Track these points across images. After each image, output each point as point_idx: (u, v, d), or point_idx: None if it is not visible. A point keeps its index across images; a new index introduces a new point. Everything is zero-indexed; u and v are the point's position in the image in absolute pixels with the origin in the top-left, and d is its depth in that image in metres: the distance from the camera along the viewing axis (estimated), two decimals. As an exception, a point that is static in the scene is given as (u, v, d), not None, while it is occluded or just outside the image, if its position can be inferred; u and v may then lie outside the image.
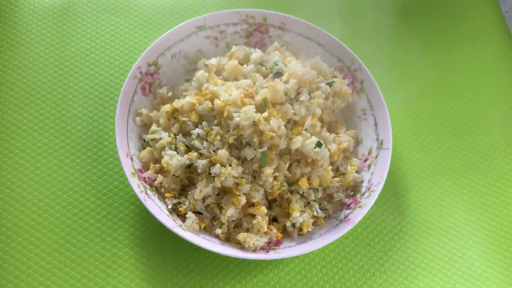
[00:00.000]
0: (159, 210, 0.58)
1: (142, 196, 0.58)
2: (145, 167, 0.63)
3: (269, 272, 0.64)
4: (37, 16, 0.78)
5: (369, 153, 0.68)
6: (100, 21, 0.79)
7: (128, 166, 0.60)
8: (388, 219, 0.69)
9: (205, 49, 0.73)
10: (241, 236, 0.59)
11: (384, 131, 0.67)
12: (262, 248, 0.60)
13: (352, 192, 0.66)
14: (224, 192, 0.61)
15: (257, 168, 0.61)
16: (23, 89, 0.71)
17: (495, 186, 0.74)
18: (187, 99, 0.64)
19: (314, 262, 0.65)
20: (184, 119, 0.64)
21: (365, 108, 0.70)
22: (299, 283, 0.63)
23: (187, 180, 0.63)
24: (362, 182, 0.66)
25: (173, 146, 0.63)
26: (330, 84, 0.68)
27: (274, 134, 0.60)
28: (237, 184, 0.60)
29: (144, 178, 0.62)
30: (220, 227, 0.60)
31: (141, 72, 0.67)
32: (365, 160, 0.67)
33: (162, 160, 0.62)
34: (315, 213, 0.63)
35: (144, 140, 0.66)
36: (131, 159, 0.62)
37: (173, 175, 0.62)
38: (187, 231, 0.59)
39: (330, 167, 0.64)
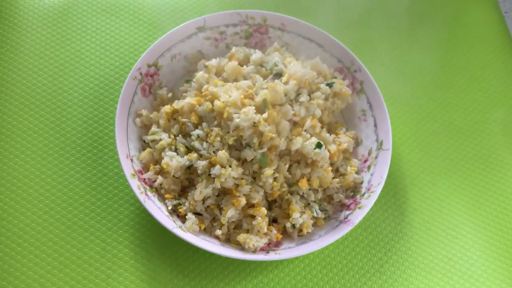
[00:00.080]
0: (159, 211, 0.58)
1: (142, 197, 0.58)
2: (145, 168, 0.63)
3: (269, 273, 0.64)
4: (37, 17, 0.78)
5: (369, 154, 0.68)
6: (100, 22, 0.79)
7: (128, 167, 0.60)
8: (388, 219, 0.69)
9: (205, 50, 0.73)
10: (241, 237, 0.59)
11: (384, 132, 0.67)
12: (262, 249, 0.60)
13: (352, 193, 0.66)
14: (224, 193, 0.61)
15: (257, 169, 0.61)
16: (23, 90, 0.71)
17: (495, 187, 0.74)
18: (187, 100, 0.64)
19: (314, 263, 0.65)
20: (184, 120, 0.64)
21: (365, 109, 0.70)
22: (299, 284, 0.63)
23: (187, 181, 0.64)
24: (362, 183, 0.66)
25: (173, 147, 0.63)
26: (330, 85, 0.68)
27: (274, 135, 0.60)
28: (237, 185, 0.60)
29: (144, 179, 0.62)
30: (220, 228, 0.61)
31: (141, 73, 0.67)
32: (365, 161, 0.67)
33: (162, 161, 0.62)
34: (315, 214, 0.63)
35: (144, 141, 0.66)
36: (131, 160, 0.62)
37: (173, 176, 0.62)
38: (187, 232, 0.59)
39: (330, 168, 0.64)
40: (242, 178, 0.60)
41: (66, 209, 0.64)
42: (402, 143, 0.76)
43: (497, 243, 0.69)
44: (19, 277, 0.59)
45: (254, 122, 0.59)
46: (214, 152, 0.60)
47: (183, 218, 0.61)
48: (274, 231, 0.62)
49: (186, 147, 0.63)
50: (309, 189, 0.64)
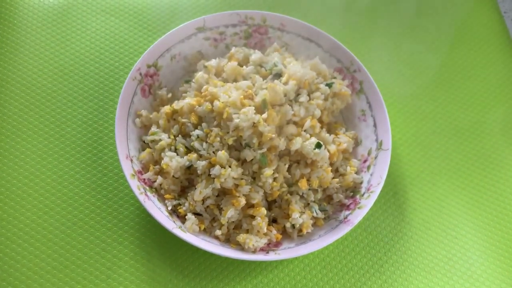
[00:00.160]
0: (159, 211, 0.59)
1: (142, 198, 0.58)
2: (145, 169, 0.64)
3: (269, 273, 0.64)
4: (36, 18, 0.78)
5: (369, 154, 0.68)
6: (99, 23, 0.79)
7: (128, 168, 0.60)
8: (387, 219, 0.69)
9: (205, 50, 0.73)
10: (241, 237, 0.59)
11: (384, 132, 0.67)
12: (261, 249, 0.60)
13: (352, 193, 0.66)
14: (223, 194, 0.61)
15: (256, 169, 0.61)
16: (22, 91, 0.71)
17: (494, 187, 0.74)
18: (187, 101, 0.64)
19: (313, 263, 0.65)
20: (183, 120, 0.64)
21: (364, 109, 0.70)
22: (299, 284, 0.63)
23: (186, 181, 0.64)
24: (361, 183, 0.66)
25: (172, 147, 0.63)
26: (329, 85, 0.68)
27: (273, 135, 0.60)
28: (236, 185, 0.60)
29: (144, 179, 0.62)
30: (220, 229, 0.61)
31: (140, 74, 0.67)
32: (365, 161, 0.68)
33: (162, 162, 0.62)
34: (314, 214, 0.63)
35: (144, 142, 0.66)
36: (131, 160, 0.62)
37: (173, 176, 0.62)
38: (187, 233, 0.59)
39: (330, 168, 0.64)
40: (242, 178, 0.61)
41: (66, 209, 0.64)
42: (401, 143, 0.76)
43: (496, 243, 0.70)
44: (19, 278, 0.59)
45: (254, 123, 0.59)
46: (213, 152, 0.61)
47: (183, 219, 0.61)
48: (274, 231, 0.62)
49: (186, 147, 0.63)
50: (309, 189, 0.64)
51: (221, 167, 0.59)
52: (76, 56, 0.76)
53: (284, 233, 0.63)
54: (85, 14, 0.80)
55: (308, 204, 0.64)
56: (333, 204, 0.66)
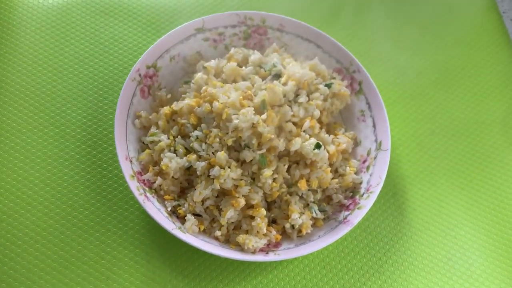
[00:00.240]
0: (158, 212, 0.59)
1: (141, 199, 0.58)
2: (145, 170, 0.64)
3: (269, 273, 0.64)
4: (35, 19, 0.78)
5: (368, 154, 0.68)
6: (98, 24, 0.79)
7: (128, 169, 0.60)
8: (387, 220, 0.69)
9: (204, 51, 0.73)
10: (241, 238, 0.59)
11: (383, 132, 0.67)
12: (261, 250, 0.60)
13: (351, 194, 0.66)
14: (223, 194, 0.61)
15: (256, 170, 0.61)
16: (22, 92, 0.71)
17: (494, 187, 0.74)
18: (186, 101, 0.64)
19: (313, 264, 0.65)
20: (183, 121, 0.64)
21: (363, 109, 0.70)
22: (299, 285, 0.63)
23: (186, 182, 0.64)
24: (361, 183, 0.66)
25: (172, 148, 0.63)
26: (328, 86, 0.68)
27: (273, 136, 0.60)
28: (236, 186, 0.60)
29: (144, 180, 0.62)
30: (220, 229, 0.61)
31: (140, 75, 0.67)
32: (364, 161, 0.68)
33: (162, 163, 0.62)
34: (314, 215, 0.63)
35: (143, 143, 0.66)
36: (131, 161, 0.62)
37: (173, 177, 0.62)
38: (187, 233, 0.59)
39: (329, 169, 0.64)
40: (241, 179, 0.61)
41: (66, 210, 0.64)
42: (401, 144, 0.76)
43: (496, 242, 0.70)
44: (18, 279, 0.59)
45: (253, 123, 0.59)
46: (213, 153, 0.61)
47: (182, 219, 0.61)
48: (274, 232, 0.62)
49: (185, 148, 0.63)
50: (308, 190, 0.64)
51: (221, 168, 0.59)
52: (75, 57, 0.76)
53: (284, 233, 0.63)
54: (84, 15, 0.80)
55: (308, 204, 0.64)
56: (333, 204, 0.66)
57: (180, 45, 0.71)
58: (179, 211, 0.61)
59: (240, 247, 0.60)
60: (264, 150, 0.60)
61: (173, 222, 0.59)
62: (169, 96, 0.69)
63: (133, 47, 0.78)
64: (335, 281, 0.64)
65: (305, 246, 0.60)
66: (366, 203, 0.62)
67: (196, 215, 0.61)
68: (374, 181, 0.64)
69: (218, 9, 0.84)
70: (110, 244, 0.63)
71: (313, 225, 0.63)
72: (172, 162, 0.61)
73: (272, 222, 0.64)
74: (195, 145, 0.61)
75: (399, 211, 0.70)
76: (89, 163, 0.68)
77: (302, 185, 0.62)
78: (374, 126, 0.68)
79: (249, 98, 0.62)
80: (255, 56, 0.69)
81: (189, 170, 0.62)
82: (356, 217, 0.61)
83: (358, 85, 0.71)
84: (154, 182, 0.62)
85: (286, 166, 0.62)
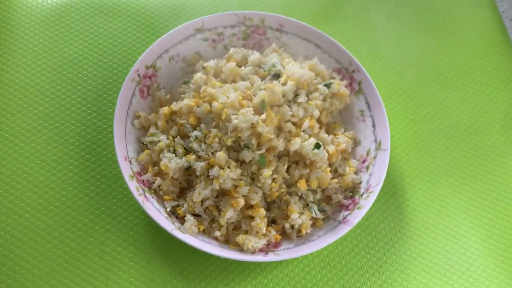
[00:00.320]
0: (157, 212, 0.58)
1: (140, 199, 0.58)
2: (144, 170, 0.63)
3: (268, 274, 0.64)
4: (34, 19, 0.78)
5: (368, 154, 0.68)
6: (97, 24, 0.79)
7: (127, 169, 0.60)
8: (386, 220, 0.69)
9: (203, 51, 0.73)
10: (240, 238, 0.59)
11: (382, 132, 0.67)
12: (261, 250, 0.60)
13: (351, 193, 0.66)
14: (222, 195, 0.61)
15: (255, 170, 0.61)
16: (21, 93, 0.71)
17: (493, 187, 0.74)
18: (185, 102, 0.64)
19: (313, 264, 0.65)
20: (182, 121, 0.64)
21: (363, 109, 0.70)
22: (298, 285, 0.63)
23: (185, 182, 0.64)
24: (360, 183, 0.66)
25: (171, 148, 0.63)
26: (328, 86, 0.68)
27: (272, 136, 0.60)
28: (235, 186, 0.60)
29: (143, 180, 0.62)
30: (219, 230, 0.60)
31: (139, 75, 0.67)
32: (364, 161, 0.67)
33: (161, 163, 0.62)
34: (313, 215, 0.63)
35: (143, 143, 0.66)
36: (130, 162, 0.62)
37: (172, 177, 0.62)
38: (186, 234, 0.59)
39: (329, 169, 0.64)
40: (241, 179, 0.60)
41: (65, 211, 0.64)
42: (400, 143, 0.76)
43: (496, 242, 0.70)
44: (18, 280, 0.59)
45: (252, 123, 0.59)
46: (212, 153, 0.60)
47: (182, 220, 0.61)
48: (273, 232, 0.62)
49: (185, 148, 0.63)
50: (308, 190, 0.64)
51: (220, 168, 0.59)
52: (74, 58, 0.76)
53: (283, 233, 0.63)
54: (83, 15, 0.80)
55: (307, 204, 0.64)
56: (332, 204, 0.66)
57: (179, 45, 0.71)
58: (178, 211, 0.61)
59: (240, 247, 0.60)
60: (263, 150, 0.60)
61: (173, 223, 0.59)
62: (168, 96, 0.69)
63: (132, 47, 0.78)
64: (335, 281, 0.64)
65: (305, 246, 0.60)
66: (366, 203, 0.62)
67: (195, 215, 0.61)
68: (374, 181, 0.64)
69: (217, 9, 0.84)
70: (109, 244, 0.63)
71: (313, 225, 0.63)
72: (172, 163, 0.61)
73: (271, 222, 0.64)
74: (195, 145, 0.61)
75: (399, 211, 0.70)
76: (88, 163, 0.68)
77: (302, 185, 0.62)
78: (373, 126, 0.68)
79: (248, 98, 0.62)
80: (254, 56, 0.69)
81: (188, 170, 0.62)
82: (356, 217, 0.61)
83: (357, 85, 0.71)
84: (154, 183, 0.62)
85: (286, 166, 0.62)
